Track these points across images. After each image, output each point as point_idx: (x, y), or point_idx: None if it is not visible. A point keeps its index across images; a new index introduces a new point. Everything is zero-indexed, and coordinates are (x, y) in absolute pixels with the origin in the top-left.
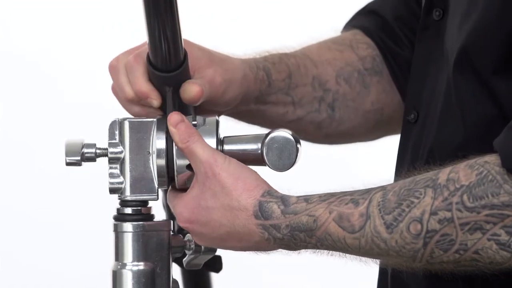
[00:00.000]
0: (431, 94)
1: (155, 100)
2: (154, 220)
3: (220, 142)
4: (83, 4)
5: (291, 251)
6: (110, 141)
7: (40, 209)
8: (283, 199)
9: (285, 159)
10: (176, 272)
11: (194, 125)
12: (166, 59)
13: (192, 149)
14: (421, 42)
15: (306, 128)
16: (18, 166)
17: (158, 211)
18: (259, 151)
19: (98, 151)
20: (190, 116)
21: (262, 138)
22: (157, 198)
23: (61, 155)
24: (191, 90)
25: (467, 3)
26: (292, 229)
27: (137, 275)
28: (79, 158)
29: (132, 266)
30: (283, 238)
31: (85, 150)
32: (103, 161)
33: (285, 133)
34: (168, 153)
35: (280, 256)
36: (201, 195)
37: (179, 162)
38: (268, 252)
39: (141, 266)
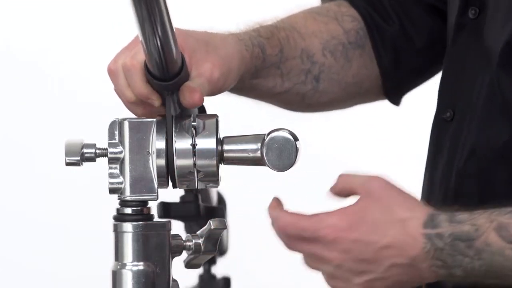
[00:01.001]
0: (470, 93)
1: (156, 101)
2: (154, 220)
3: (220, 142)
4: (83, 4)
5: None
6: (110, 141)
7: (39, 210)
8: (451, 212)
9: (285, 159)
10: (176, 272)
11: (194, 126)
12: (163, 70)
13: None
14: (455, 41)
15: (291, 99)
16: (17, 166)
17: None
18: (259, 151)
19: (98, 151)
20: (189, 118)
21: (262, 138)
22: (157, 198)
23: (61, 155)
24: (190, 97)
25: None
26: (453, 238)
27: (137, 275)
28: (78, 158)
29: (132, 266)
30: (443, 248)
31: (85, 150)
32: (102, 161)
33: (284, 133)
34: (168, 153)
35: (281, 257)
36: (365, 208)
37: (179, 162)
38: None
39: (141, 266)
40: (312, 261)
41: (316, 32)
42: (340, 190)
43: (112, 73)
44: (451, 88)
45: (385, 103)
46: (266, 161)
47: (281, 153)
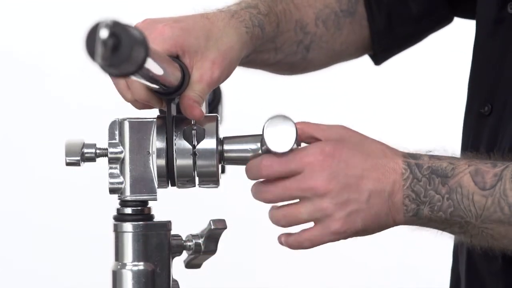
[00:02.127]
0: (509, 87)
1: (156, 104)
2: (154, 220)
3: (220, 142)
4: (82, 4)
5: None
6: (110, 141)
7: (39, 210)
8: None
9: (284, 139)
10: (176, 272)
11: (194, 128)
12: (164, 89)
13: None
14: (494, 36)
15: (280, 68)
16: (16, 166)
17: (158, 211)
18: (259, 151)
19: (98, 151)
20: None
21: (261, 138)
22: (157, 199)
23: (61, 156)
24: (191, 113)
25: None
26: (431, 171)
27: (137, 275)
28: (79, 158)
29: (132, 266)
30: (420, 179)
31: (85, 150)
32: (102, 162)
33: (283, 116)
34: (168, 153)
35: (279, 257)
36: (345, 139)
37: (179, 162)
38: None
39: (141, 266)
40: (294, 207)
41: (311, 2)
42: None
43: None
44: (489, 83)
45: (400, 103)
46: (266, 140)
47: (280, 134)
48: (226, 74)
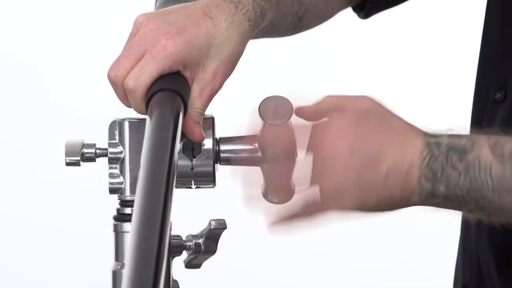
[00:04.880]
0: None
1: None
2: None
3: (217, 142)
4: (81, 4)
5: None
6: (110, 141)
7: (39, 210)
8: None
9: (280, 112)
10: (176, 272)
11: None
12: None
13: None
14: (509, 20)
15: (271, 35)
16: (16, 166)
17: None
18: (256, 151)
19: (98, 151)
20: None
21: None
22: None
23: (60, 156)
24: (191, 136)
25: None
26: (449, 148)
27: None
28: (79, 158)
29: None
30: (438, 156)
31: (85, 150)
32: (102, 162)
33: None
34: None
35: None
36: (370, 114)
37: (180, 162)
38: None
39: None
40: (318, 165)
41: None
42: (321, 109)
43: (112, 82)
44: (502, 69)
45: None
46: (262, 113)
47: (277, 108)
48: (227, 78)
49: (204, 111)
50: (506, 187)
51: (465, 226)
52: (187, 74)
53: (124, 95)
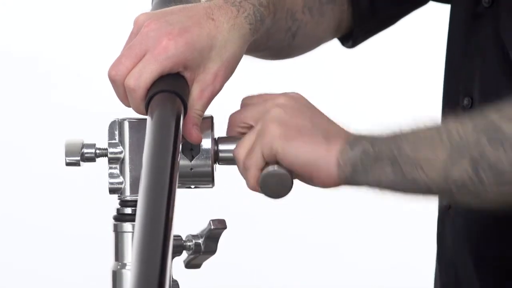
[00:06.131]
0: (487, 79)
1: None
2: None
3: (215, 142)
4: (81, 4)
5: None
6: (110, 141)
7: (38, 210)
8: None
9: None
10: (175, 272)
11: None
12: None
13: None
14: (471, 30)
15: (267, 55)
16: (16, 166)
17: None
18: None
19: (98, 151)
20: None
21: None
22: None
23: (60, 155)
24: (189, 138)
25: None
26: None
27: None
28: (79, 158)
29: None
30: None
31: (85, 150)
32: (102, 162)
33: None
34: None
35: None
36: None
37: (180, 162)
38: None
39: None
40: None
41: None
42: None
43: (112, 81)
44: (467, 76)
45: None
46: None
47: (276, 184)
48: (227, 80)
49: (203, 112)
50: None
51: (440, 233)
52: (187, 75)
53: (124, 95)
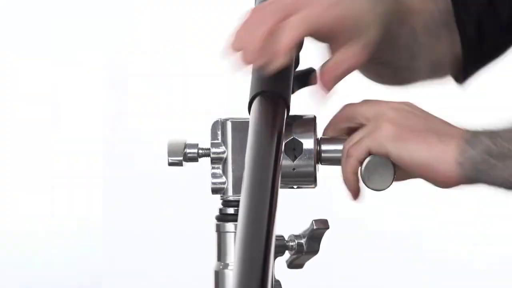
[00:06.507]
0: None
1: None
2: None
3: (318, 142)
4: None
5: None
6: (213, 141)
7: (142, 211)
8: None
9: (381, 179)
10: (278, 272)
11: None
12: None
13: None
14: None
15: (384, 72)
16: (121, 169)
17: None
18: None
19: (200, 151)
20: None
21: None
22: None
23: (163, 156)
24: (322, 88)
25: None
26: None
27: None
28: (181, 158)
29: None
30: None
31: (188, 150)
32: (204, 162)
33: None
34: None
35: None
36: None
37: (283, 162)
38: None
39: None
40: None
41: (420, 10)
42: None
43: (256, 16)
44: None
45: None
46: (364, 180)
47: (378, 174)
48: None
49: (340, 79)
50: None
51: None
52: (333, 44)
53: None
